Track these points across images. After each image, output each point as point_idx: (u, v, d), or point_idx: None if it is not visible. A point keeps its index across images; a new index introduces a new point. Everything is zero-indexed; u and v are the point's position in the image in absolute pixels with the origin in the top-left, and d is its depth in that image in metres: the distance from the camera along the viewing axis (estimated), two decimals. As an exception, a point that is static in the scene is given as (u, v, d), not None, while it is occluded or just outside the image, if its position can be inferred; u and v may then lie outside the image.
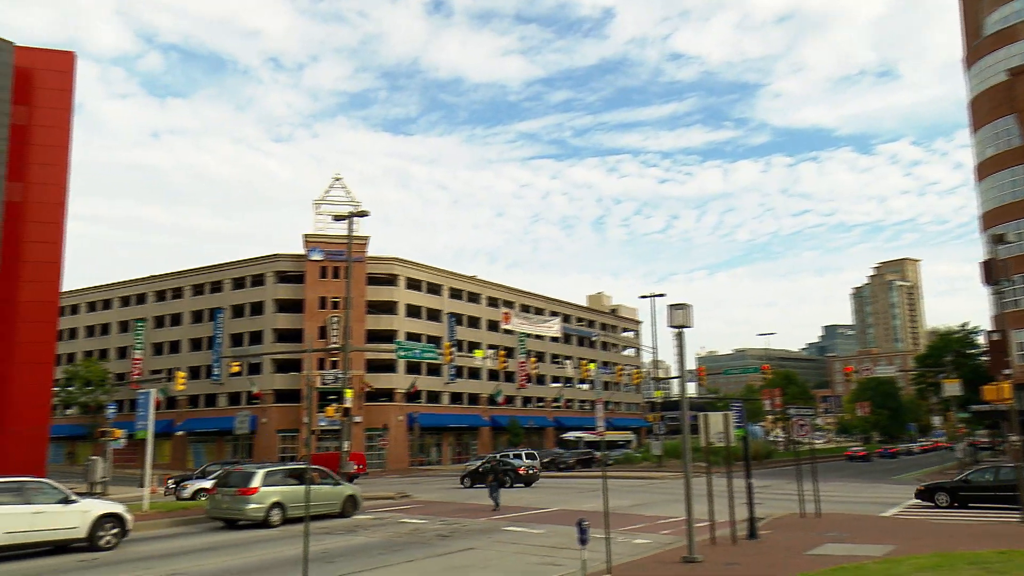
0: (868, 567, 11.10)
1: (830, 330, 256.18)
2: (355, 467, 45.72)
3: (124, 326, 72.23)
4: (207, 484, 29.23)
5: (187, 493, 29.73)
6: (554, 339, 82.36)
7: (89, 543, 15.73)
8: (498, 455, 47.08)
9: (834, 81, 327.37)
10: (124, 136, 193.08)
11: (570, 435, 69.20)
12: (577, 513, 20.67)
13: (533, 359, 64.98)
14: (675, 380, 64.86)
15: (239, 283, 66.00)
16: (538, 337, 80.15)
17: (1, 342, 37.60)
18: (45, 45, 41.38)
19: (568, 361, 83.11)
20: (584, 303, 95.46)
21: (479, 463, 40.71)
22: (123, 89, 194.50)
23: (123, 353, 71.33)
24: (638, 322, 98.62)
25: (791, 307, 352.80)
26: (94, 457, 41.58)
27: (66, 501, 15.62)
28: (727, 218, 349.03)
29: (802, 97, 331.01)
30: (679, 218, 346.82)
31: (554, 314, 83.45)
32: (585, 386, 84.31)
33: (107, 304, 74.48)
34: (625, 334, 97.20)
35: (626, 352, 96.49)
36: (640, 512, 21.62)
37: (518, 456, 46.63)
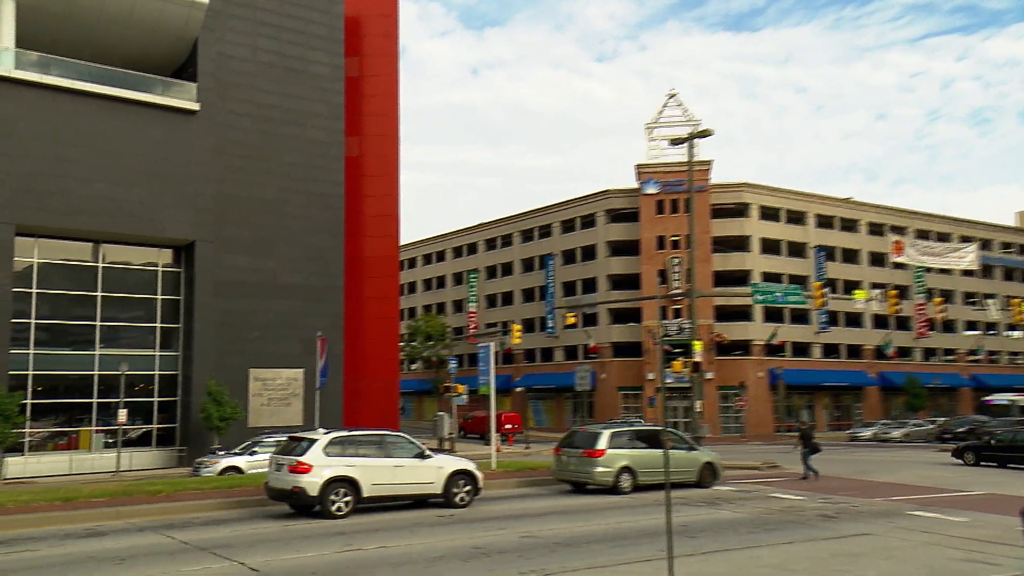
0: None
1: None
2: (510, 428, 46.29)
3: (458, 278, 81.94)
4: (241, 462, 27.34)
5: (214, 470, 26.78)
6: (967, 272, 73.19)
7: (445, 500, 17.92)
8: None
9: None
10: (445, 76, 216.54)
11: (997, 398, 60.89)
12: (1017, 500, 18.05)
13: (938, 300, 58.13)
14: None
15: (568, 226, 70.02)
16: (943, 271, 71.88)
17: (353, 298, 45.47)
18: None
19: (991, 301, 72.68)
20: (1012, 223, 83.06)
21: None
22: (442, 26, 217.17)
23: (459, 306, 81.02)
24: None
25: None
26: (441, 413, 48.48)
27: (422, 456, 18.12)
28: None
29: None
30: None
31: (965, 240, 73.81)
32: (1017, 333, 75.07)
33: (440, 256, 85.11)
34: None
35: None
36: None
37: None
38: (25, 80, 33.98)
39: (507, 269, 75.77)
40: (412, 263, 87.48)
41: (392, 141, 48.93)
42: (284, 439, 25.86)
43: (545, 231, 72.14)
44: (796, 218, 67.00)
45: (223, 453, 29.91)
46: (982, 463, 30.67)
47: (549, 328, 68.97)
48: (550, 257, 69.84)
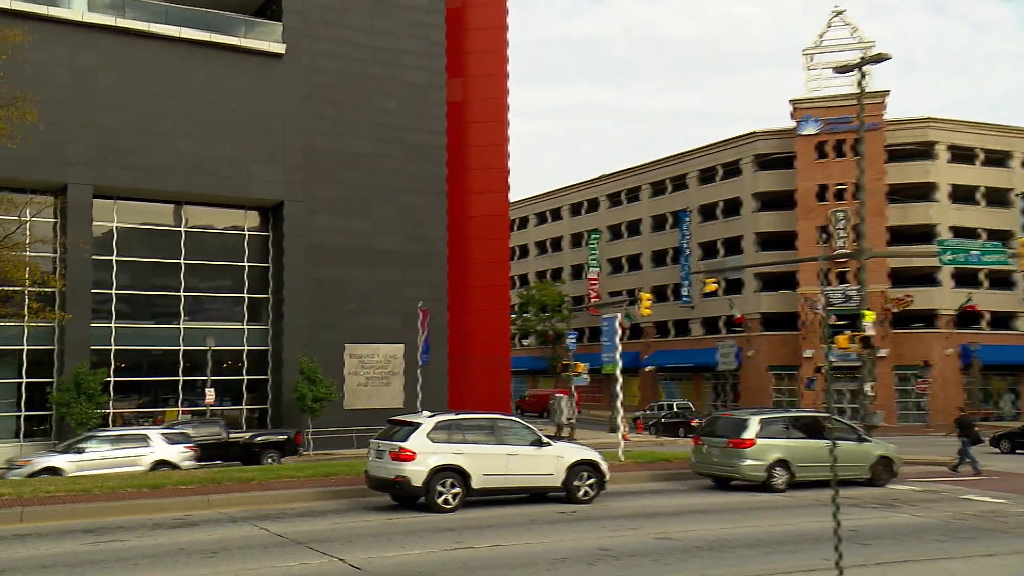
0: None
1: None
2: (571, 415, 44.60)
3: (577, 240, 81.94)
4: (63, 462, 24.21)
5: (25, 472, 23.76)
6: None
7: (565, 494, 18.04)
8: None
9: None
10: (561, 3, 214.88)
11: None
12: None
13: None
14: None
15: (707, 176, 68.65)
16: None
17: (457, 264, 46.16)
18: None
19: None
20: None
21: None
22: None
23: (578, 272, 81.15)
24: None
25: None
26: (558, 395, 48.89)
27: (539, 443, 18.26)
28: None
29: None
30: None
31: None
32: None
33: (557, 214, 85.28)
34: None
35: None
36: None
37: None
38: (99, 24, 35.91)
39: (634, 228, 75.18)
40: (524, 223, 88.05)
41: (500, 82, 49.13)
42: (113, 433, 26.18)
43: (680, 183, 71.03)
44: (997, 159, 63.28)
45: (58, 448, 27.27)
46: None
47: (684, 297, 68.16)
48: (686, 213, 68.80)
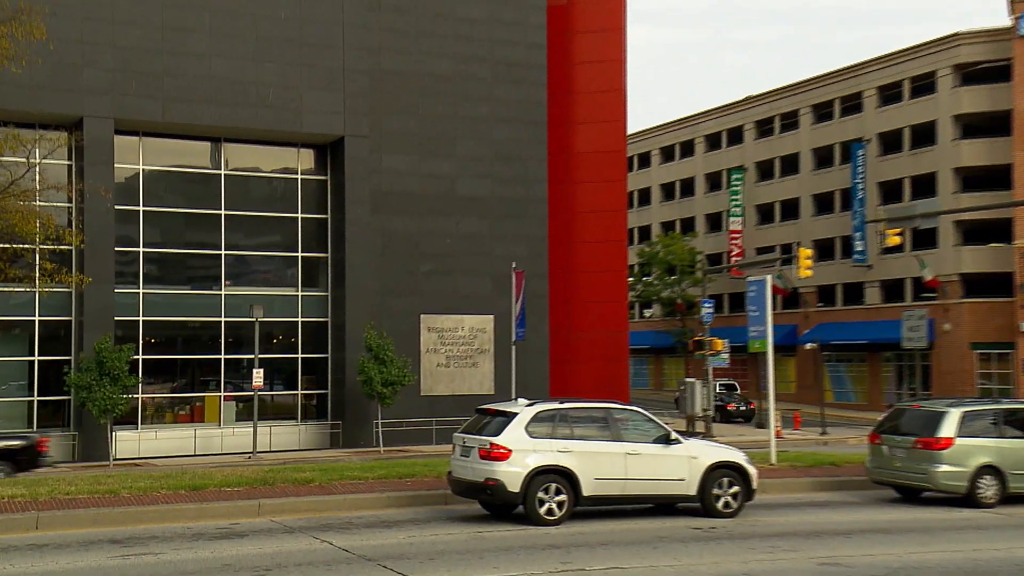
0: None
1: None
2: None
3: (714, 181, 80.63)
4: None
5: None
6: None
7: (701, 505, 17.92)
8: None
9: None
10: None
11: None
12: None
13: None
14: None
15: (890, 94, 66.51)
16: None
17: (561, 213, 46.07)
18: None
19: None
20: None
21: None
22: None
23: (715, 223, 79.89)
24: None
25: None
26: (689, 379, 48.50)
27: (666, 440, 18.03)
28: None
29: None
30: None
31: None
32: None
33: (688, 149, 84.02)
34: None
35: None
36: None
37: None
38: (119, -78, 36.83)
39: (790, 165, 73.62)
40: (645, 160, 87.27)
41: (616, -22, 48.60)
42: None
43: (852, 104, 69.11)
44: None
45: None
46: None
47: (857, 254, 66.51)
48: (859, 144, 66.98)
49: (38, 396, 36.96)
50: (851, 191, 67.39)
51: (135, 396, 37.27)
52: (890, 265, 64.32)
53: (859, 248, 66.35)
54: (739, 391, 60.82)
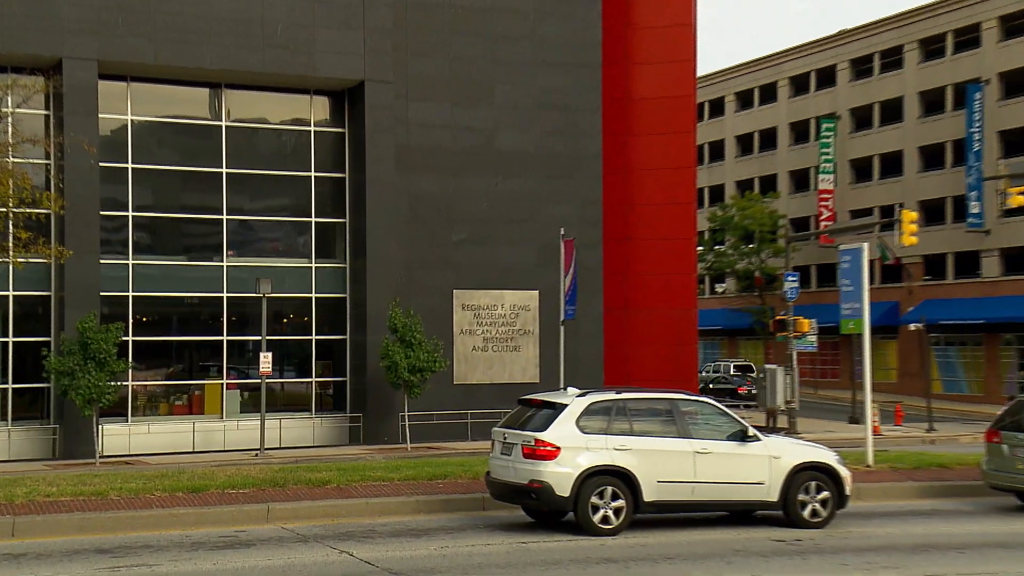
0: None
1: None
2: None
3: (800, 131, 79.87)
4: None
5: None
6: None
7: (784, 513, 17.81)
8: None
9: None
10: None
11: None
12: None
13: None
14: None
15: (1012, 26, 65.49)
16: None
17: (617, 171, 45.68)
18: None
19: None
20: None
21: None
22: None
23: (801, 181, 79.20)
24: None
25: None
26: (770, 366, 48.06)
27: (743, 437, 17.89)
28: None
29: None
30: None
31: None
32: None
33: (769, 94, 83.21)
34: None
35: None
36: None
37: None
38: None
39: (891, 111, 72.72)
40: (718, 108, 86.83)
41: None
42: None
43: (967, 38, 68.11)
44: None
45: None
46: None
47: (972, 217, 65.67)
48: (976, 86, 66.07)
49: (12, 384, 37.25)
50: (965, 142, 66.57)
51: (124, 384, 37.46)
52: (1013, 230, 63.48)
53: (974, 210, 65.45)
54: (755, 373, 61.31)
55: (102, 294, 36.93)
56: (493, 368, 41.35)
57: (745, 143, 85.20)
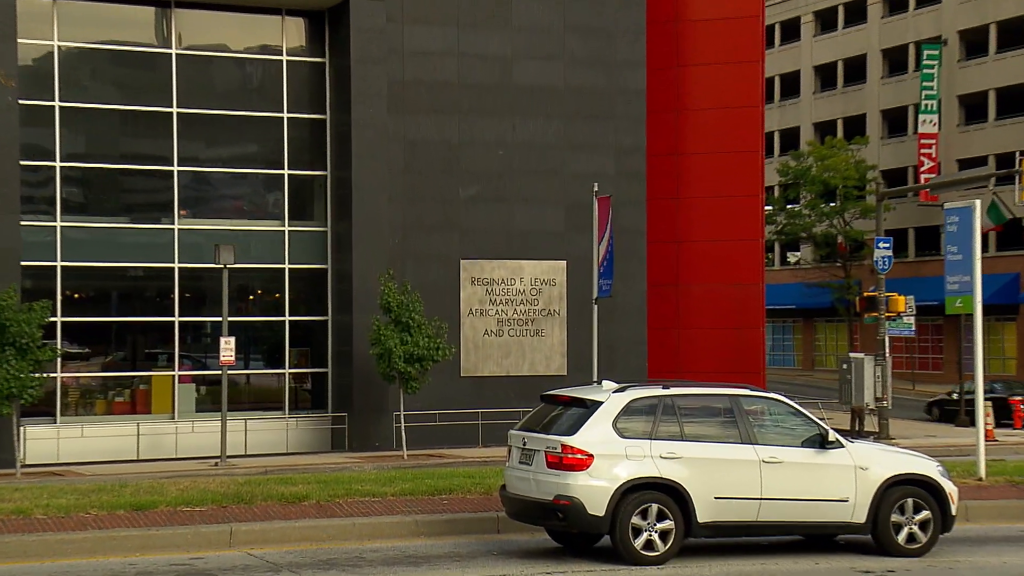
0: None
1: None
2: None
3: (896, 59, 79.78)
4: None
5: None
6: None
7: (873, 537, 17.79)
8: None
9: None
10: None
11: None
12: None
13: None
14: None
15: None
16: None
17: (664, 111, 45.83)
18: None
19: None
20: None
21: None
22: None
23: (897, 123, 79.31)
24: None
25: None
26: (856, 355, 47.86)
27: (821, 443, 17.73)
28: None
29: None
30: None
31: None
32: None
33: (855, 13, 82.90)
34: None
35: None
36: None
37: None
38: None
39: (1011, 34, 72.33)
40: (791, 32, 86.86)
41: None
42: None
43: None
44: None
45: None
46: None
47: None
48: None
49: (-85, 375, 37.38)
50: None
51: (52, 376, 37.35)
52: None
53: (1113, 161, 65.20)
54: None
55: (23, 264, 36.91)
56: (510, 357, 41.34)
57: (826, 75, 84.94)
